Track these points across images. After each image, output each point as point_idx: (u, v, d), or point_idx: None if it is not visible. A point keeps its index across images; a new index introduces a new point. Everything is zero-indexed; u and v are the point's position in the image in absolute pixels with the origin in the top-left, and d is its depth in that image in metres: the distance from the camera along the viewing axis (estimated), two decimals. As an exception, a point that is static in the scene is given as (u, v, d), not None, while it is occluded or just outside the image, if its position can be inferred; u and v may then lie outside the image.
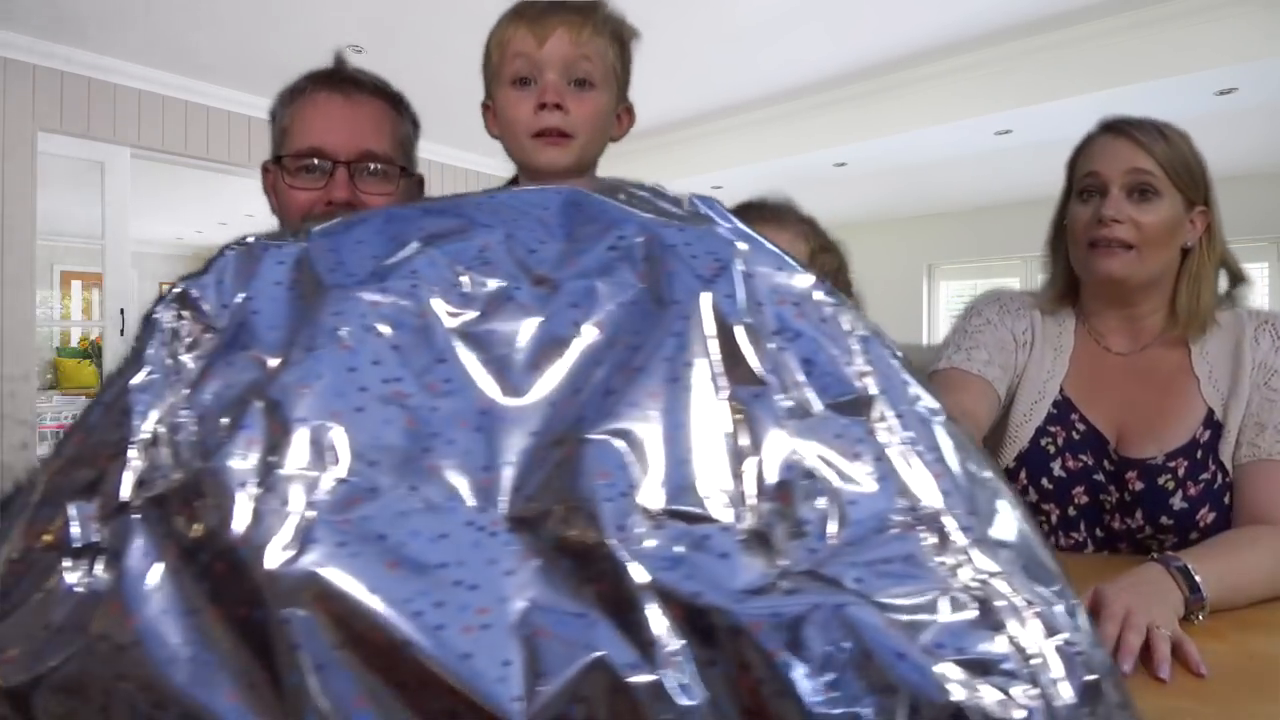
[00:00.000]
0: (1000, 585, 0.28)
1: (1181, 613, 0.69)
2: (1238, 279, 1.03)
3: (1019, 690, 0.25)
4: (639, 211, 0.40)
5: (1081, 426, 1.02)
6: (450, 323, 0.35)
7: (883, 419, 0.32)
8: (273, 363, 0.33)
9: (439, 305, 0.35)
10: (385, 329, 0.34)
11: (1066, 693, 0.26)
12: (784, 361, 0.33)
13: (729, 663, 0.25)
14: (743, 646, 0.25)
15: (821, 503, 0.29)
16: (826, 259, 1.14)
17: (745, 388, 0.32)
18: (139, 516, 0.30)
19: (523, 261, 0.37)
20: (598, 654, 0.25)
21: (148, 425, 0.32)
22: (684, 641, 0.25)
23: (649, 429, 0.30)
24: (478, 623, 0.25)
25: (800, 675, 0.25)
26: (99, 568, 0.30)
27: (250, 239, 0.40)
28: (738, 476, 0.30)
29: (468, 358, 0.34)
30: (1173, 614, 0.67)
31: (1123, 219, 0.95)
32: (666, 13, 2.97)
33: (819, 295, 0.36)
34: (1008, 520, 0.31)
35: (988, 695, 0.25)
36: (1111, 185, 0.96)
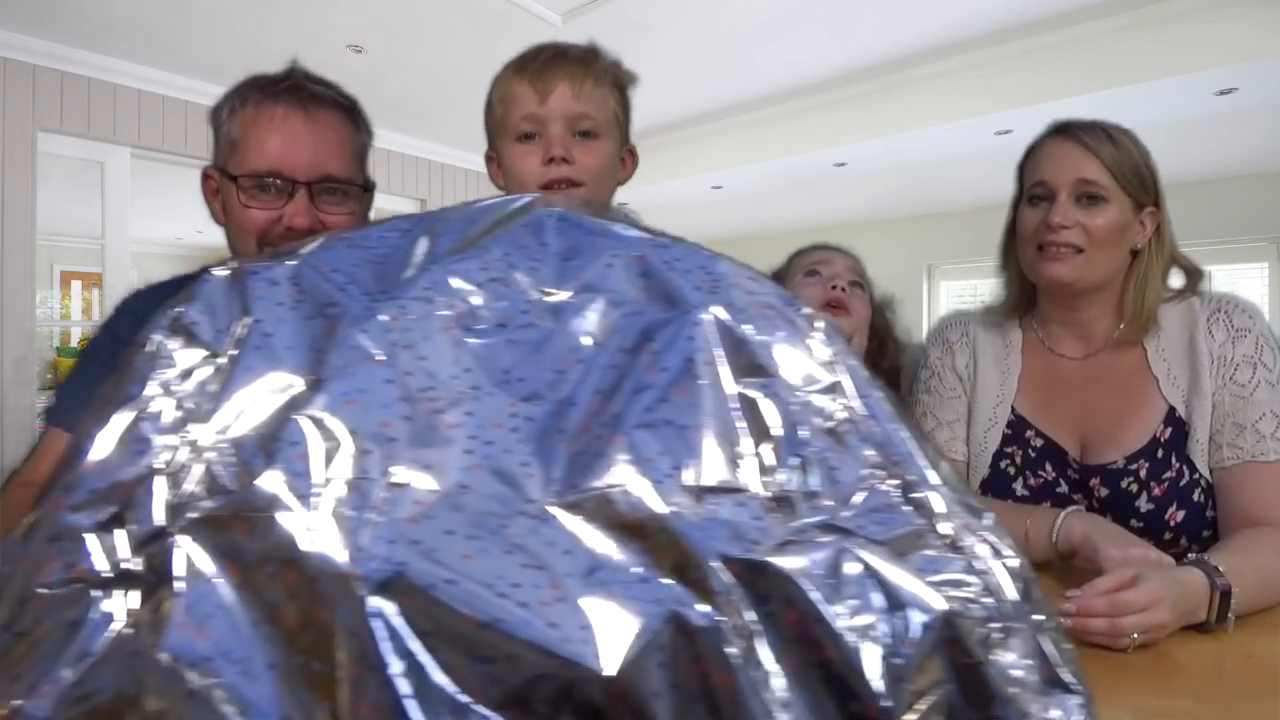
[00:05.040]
0: (955, 521, 0.36)
1: (1183, 624, 0.70)
2: (1194, 275, 1.03)
3: (982, 595, 0.34)
4: (623, 229, 0.44)
5: (1038, 442, 1.03)
6: (468, 335, 0.37)
7: (845, 396, 0.40)
8: (301, 381, 0.34)
9: (456, 320, 0.38)
10: (411, 343, 0.36)
11: (1012, 594, 0.35)
12: (774, 357, 0.39)
13: (777, 602, 0.30)
14: (787, 588, 0.30)
15: (819, 468, 0.36)
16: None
17: (755, 379, 0.37)
18: (186, 539, 0.31)
19: (526, 277, 0.40)
20: (671, 608, 0.29)
21: (171, 453, 0.33)
22: (742, 590, 0.30)
23: (684, 419, 0.34)
24: (552, 597, 0.28)
25: (831, 605, 0.30)
26: (136, 595, 0.30)
27: (233, 263, 0.42)
28: (760, 453, 0.35)
29: (489, 367, 0.36)
30: (1174, 624, 0.68)
31: (1070, 224, 0.95)
32: (666, 13, 2.96)
33: (780, 301, 0.42)
34: (945, 470, 0.39)
35: (963, 601, 0.33)
36: (1060, 192, 0.97)
